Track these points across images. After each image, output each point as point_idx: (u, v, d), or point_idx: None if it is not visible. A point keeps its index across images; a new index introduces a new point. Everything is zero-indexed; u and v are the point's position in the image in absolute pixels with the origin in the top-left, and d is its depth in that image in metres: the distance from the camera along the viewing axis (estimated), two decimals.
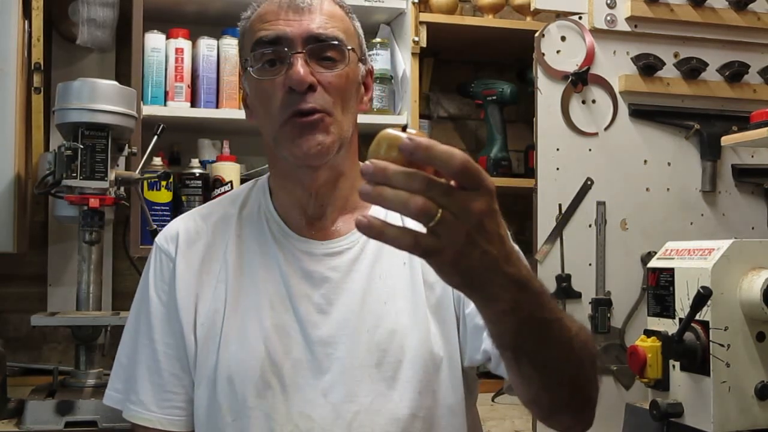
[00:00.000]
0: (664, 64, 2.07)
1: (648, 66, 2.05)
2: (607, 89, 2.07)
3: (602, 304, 2.02)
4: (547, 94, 2.03)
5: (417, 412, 1.13)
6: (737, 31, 2.11)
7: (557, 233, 2.01)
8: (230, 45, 2.18)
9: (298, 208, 1.20)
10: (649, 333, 1.59)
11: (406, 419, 1.12)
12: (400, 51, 2.31)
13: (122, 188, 1.91)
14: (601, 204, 2.04)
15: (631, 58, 2.07)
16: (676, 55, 2.10)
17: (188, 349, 1.17)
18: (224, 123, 2.20)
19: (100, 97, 1.83)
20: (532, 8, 2.08)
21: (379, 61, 2.24)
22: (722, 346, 1.46)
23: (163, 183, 2.09)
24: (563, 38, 2.05)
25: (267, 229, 1.21)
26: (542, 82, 2.03)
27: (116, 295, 2.30)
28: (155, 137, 1.97)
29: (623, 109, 2.07)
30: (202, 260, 1.20)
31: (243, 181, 2.12)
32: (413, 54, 2.26)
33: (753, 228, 2.13)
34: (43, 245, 2.28)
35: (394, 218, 1.19)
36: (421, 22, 2.27)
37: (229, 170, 2.18)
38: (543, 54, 2.03)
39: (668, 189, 2.09)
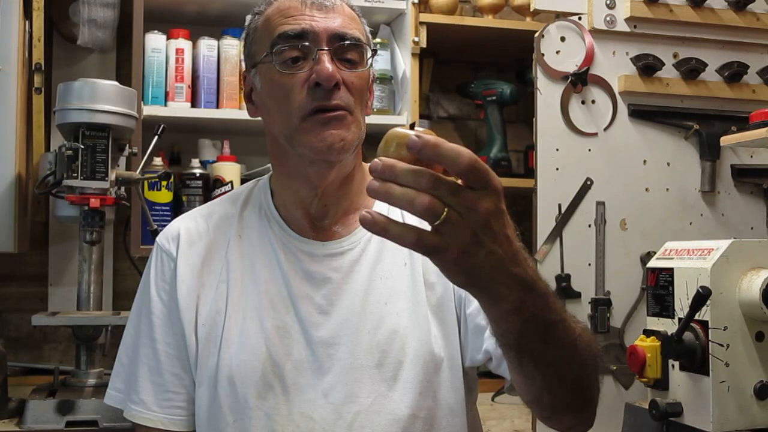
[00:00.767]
0: (663, 64, 2.07)
1: (647, 66, 2.06)
2: (606, 89, 2.07)
3: (602, 304, 2.03)
4: (547, 94, 2.03)
5: (417, 412, 1.13)
6: (736, 31, 2.12)
7: (557, 233, 2.02)
8: (230, 45, 2.18)
9: (300, 208, 1.20)
10: (648, 333, 1.59)
11: (407, 420, 1.12)
12: (400, 51, 2.32)
13: (123, 188, 1.92)
14: (600, 204, 2.04)
15: (631, 59, 2.07)
16: (675, 56, 2.10)
17: (189, 349, 1.17)
18: (224, 123, 2.20)
19: (100, 98, 1.83)
20: (531, 9, 2.08)
21: (379, 61, 2.25)
22: (721, 345, 1.46)
23: (164, 183, 2.09)
24: (563, 39, 2.05)
25: (268, 229, 1.21)
26: (542, 82, 2.03)
27: (117, 295, 2.30)
28: (156, 137, 1.98)
29: (623, 109, 2.08)
30: (204, 260, 1.20)
31: (243, 181, 2.13)
32: (413, 54, 2.26)
33: (752, 228, 2.13)
34: (44, 245, 2.29)
35: (395, 216, 1.20)
36: (421, 23, 2.27)
37: (229, 170, 2.18)
38: (543, 54, 2.03)
39: (667, 189, 2.09)
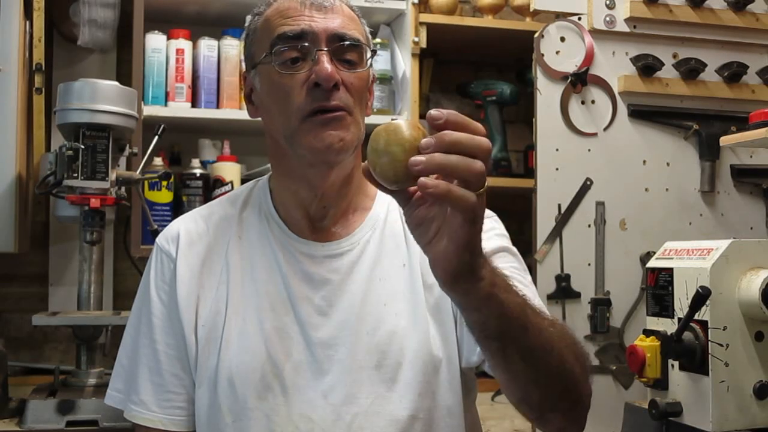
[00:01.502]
0: (663, 64, 2.07)
1: (647, 66, 2.06)
2: (606, 90, 2.07)
3: (601, 304, 2.03)
4: (547, 94, 2.04)
5: (417, 413, 1.13)
6: (736, 31, 2.12)
7: (557, 233, 2.02)
8: (231, 45, 2.19)
9: (300, 209, 1.20)
10: (648, 332, 1.59)
11: (406, 421, 1.13)
12: (400, 51, 2.32)
13: (123, 188, 1.92)
14: (600, 204, 2.05)
15: (630, 59, 2.07)
16: (675, 56, 2.10)
17: (189, 350, 1.17)
18: (225, 123, 2.21)
19: (101, 98, 1.83)
20: (531, 9, 2.08)
21: (379, 61, 2.25)
22: (721, 345, 1.46)
23: (164, 183, 2.09)
24: (562, 39, 2.05)
25: (268, 230, 1.21)
26: (542, 82, 2.04)
27: (117, 295, 2.31)
28: (156, 137, 1.98)
29: (622, 109, 2.08)
30: (203, 261, 1.20)
31: (243, 181, 2.13)
32: (413, 54, 2.26)
33: (752, 228, 2.14)
34: (44, 245, 2.29)
35: (395, 217, 1.20)
36: (421, 23, 2.27)
37: (229, 170, 2.18)
38: (542, 54, 2.04)
39: (667, 189, 2.09)
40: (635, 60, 2.07)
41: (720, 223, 2.11)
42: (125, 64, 2.27)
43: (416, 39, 2.26)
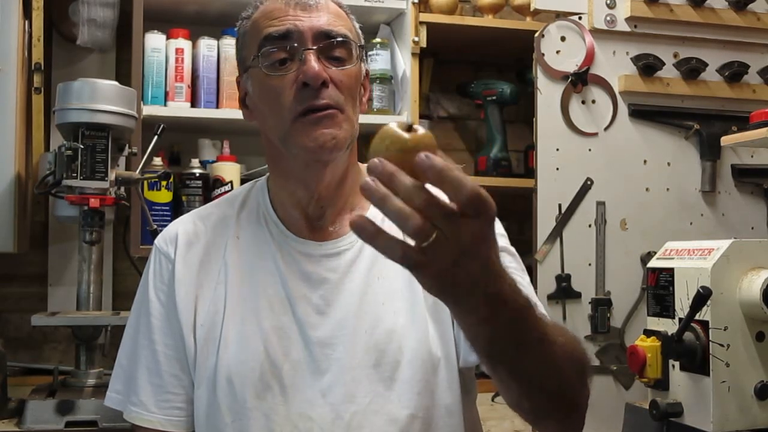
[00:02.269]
0: (663, 64, 2.07)
1: (648, 66, 2.06)
2: (606, 89, 2.07)
3: (602, 304, 2.03)
4: (547, 94, 2.03)
5: (416, 412, 1.13)
6: (737, 31, 2.12)
7: (557, 233, 2.02)
8: (230, 45, 2.18)
9: (297, 208, 1.20)
10: (648, 333, 1.59)
11: (405, 420, 1.12)
12: (400, 51, 2.32)
13: (122, 188, 1.92)
14: (600, 204, 2.04)
15: (631, 59, 2.07)
16: (675, 56, 2.10)
17: (188, 350, 1.17)
18: (224, 123, 2.20)
19: (100, 98, 1.83)
20: (531, 8, 2.08)
21: (379, 61, 2.25)
22: (722, 345, 1.46)
23: (164, 183, 2.09)
24: (563, 38, 2.05)
25: (266, 230, 1.21)
26: (542, 82, 2.03)
27: (116, 295, 2.30)
28: (155, 137, 1.98)
29: (623, 109, 2.08)
30: (201, 262, 1.20)
31: (243, 181, 2.13)
32: (413, 54, 2.26)
33: (752, 228, 2.13)
34: (44, 245, 2.29)
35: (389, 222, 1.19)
36: (421, 23, 2.27)
37: (229, 170, 2.18)
38: (543, 54, 2.03)
39: (668, 189, 2.09)
40: (636, 60, 2.07)
41: (721, 223, 2.11)
42: (124, 64, 2.27)
43: (416, 39, 2.25)
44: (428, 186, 0.74)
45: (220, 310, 1.17)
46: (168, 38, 2.16)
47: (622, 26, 2.06)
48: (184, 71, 2.14)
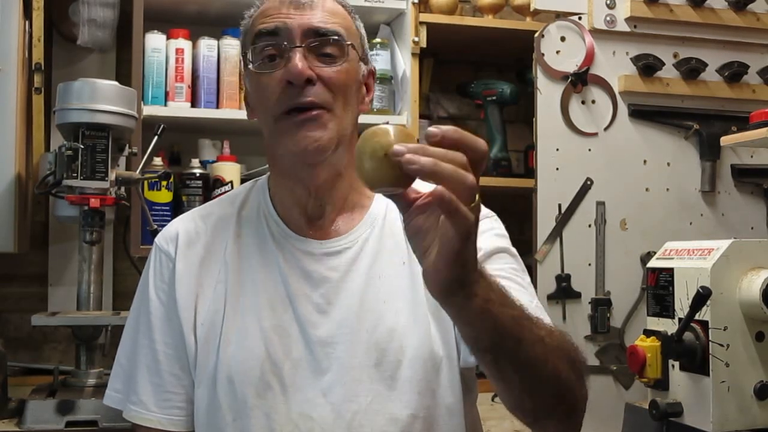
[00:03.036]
0: (663, 64, 2.07)
1: (647, 66, 2.06)
2: (606, 89, 2.07)
3: (602, 304, 2.03)
4: (547, 94, 2.04)
5: (417, 412, 1.13)
6: (736, 31, 2.12)
7: (557, 233, 2.02)
8: (230, 45, 2.18)
9: (297, 207, 1.20)
10: (648, 333, 1.59)
11: (406, 419, 1.12)
12: (400, 51, 2.32)
13: (123, 188, 1.92)
14: (600, 204, 2.05)
15: (631, 59, 2.07)
16: (675, 56, 2.10)
17: (188, 349, 1.17)
18: (224, 123, 2.20)
19: (100, 98, 1.83)
20: (531, 8, 2.08)
21: (379, 61, 2.25)
22: (721, 345, 1.46)
23: (164, 183, 2.09)
24: (563, 38, 2.05)
25: (266, 229, 1.21)
26: (542, 82, 2.04)
27: (117, 295, 2.30)
28: (156, 137, 1.98)
29: (623, 109, 2.08)
30: (202, 261, 1.20)
31: (243, 181, 2.13)
32: (413, 54, 2.26)
33: (752, 228, 2.14)
34: (44, 245, 2.29)
35: (394, 216, 1.19)
36: (421, 23, 2.27)
37: (229, 170, 2.18)
38: (543, 54, 2.03)
39: (668, 189, 2.09)
40: (636, 60, 2.07)
41: (720, 223, 2.11)
42: (125, 64, 2.27)
43: (416, 39, 2.26)
44: None
45: (221, 309, 1.17)
46: (168, 38, 2.16)
47: (622, 26, 2.06)
48: (185, 71, 2.14)
